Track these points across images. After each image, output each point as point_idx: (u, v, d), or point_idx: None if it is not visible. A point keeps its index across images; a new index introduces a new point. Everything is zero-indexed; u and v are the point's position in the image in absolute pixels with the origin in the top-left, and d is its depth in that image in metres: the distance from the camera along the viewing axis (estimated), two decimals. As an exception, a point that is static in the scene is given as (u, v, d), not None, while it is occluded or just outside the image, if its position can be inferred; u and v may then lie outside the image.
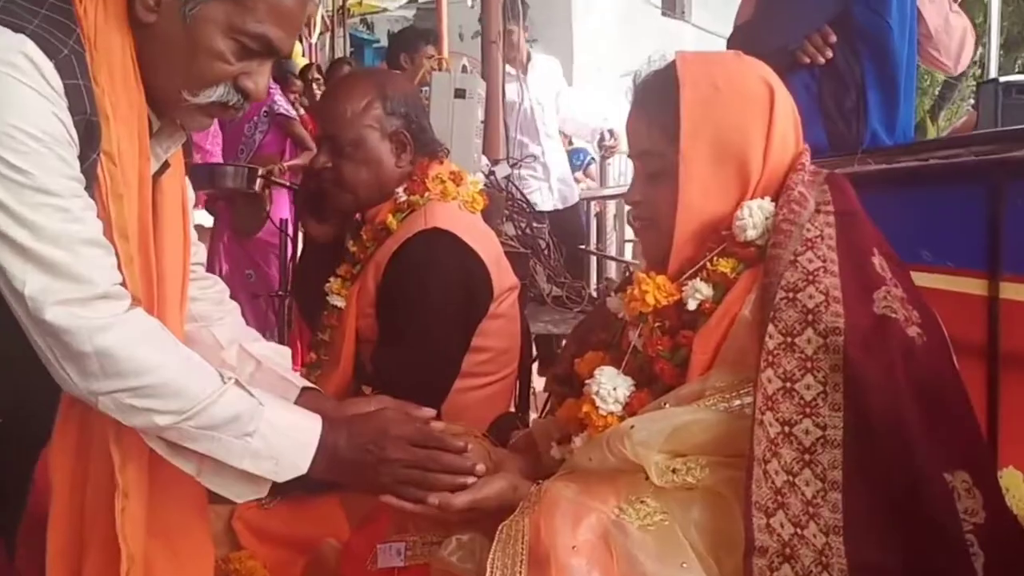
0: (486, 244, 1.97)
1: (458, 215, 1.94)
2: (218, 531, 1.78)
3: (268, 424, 1.29)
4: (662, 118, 1.32)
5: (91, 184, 1.24)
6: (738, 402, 1.20)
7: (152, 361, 1.22)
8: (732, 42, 2.44)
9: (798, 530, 1.11)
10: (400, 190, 1.95)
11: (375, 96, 1.92)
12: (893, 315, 1.17)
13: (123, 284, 1.25)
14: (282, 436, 1.30)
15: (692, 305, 1.28)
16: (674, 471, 1.19)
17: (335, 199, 1.99)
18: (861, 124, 2.23)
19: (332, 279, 2.04)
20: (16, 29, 1.16)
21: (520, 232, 3.15)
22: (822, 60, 2.26)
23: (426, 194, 1.93)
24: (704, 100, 1.30)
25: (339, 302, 2.00)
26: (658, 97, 1.33)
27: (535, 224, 3.27)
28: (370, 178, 1.94)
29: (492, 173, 3.25)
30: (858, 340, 1.15)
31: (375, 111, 1.91)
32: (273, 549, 1.78)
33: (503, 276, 2.00)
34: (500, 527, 1.21)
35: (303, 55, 6.51)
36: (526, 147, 4.85)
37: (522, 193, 3.50)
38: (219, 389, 1.26)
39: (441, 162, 2.02)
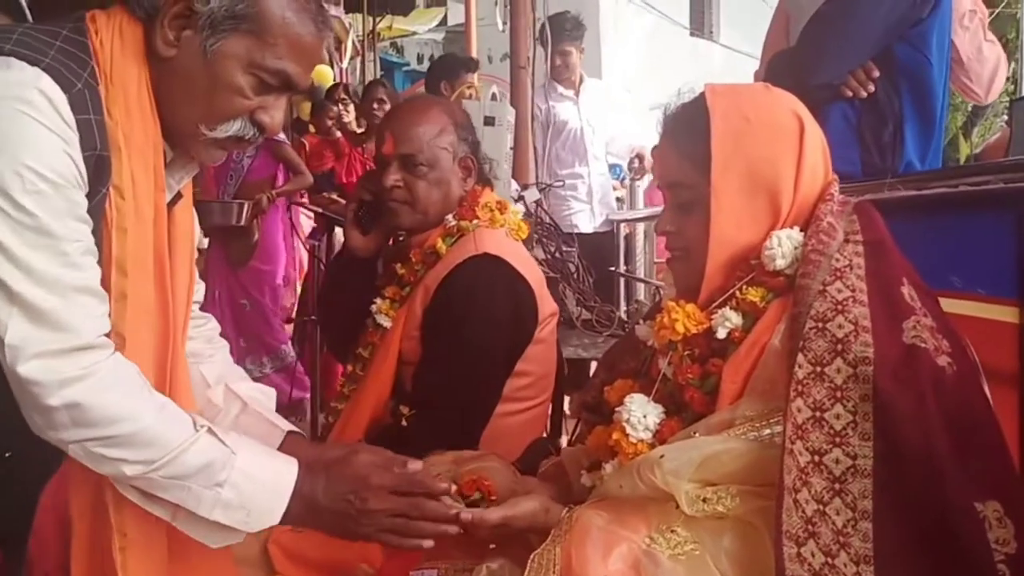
0: (532, 270, 2.02)
1: (506, 242, 1.99)
2: (254, 555, 1.80)
3: (240, 473, 1.25)
4: (693, 150, 1.33)
5: (98, 220, 1.23)
6: (768, 431, 1.20)
7: (124, 410, 1.19)
8: (771, 72, 2.46)
9: (829, 559, 1.11)
10: (449, 216, 2.00)
11: (449, 122, 2.00)
12: (923, 345, 1.18)
13: (108, 334, 1.23)
14: (255, 485, 1.26)
15: (722, 334, 1.29)
16: (704, 500, 1.20)
17: (402, 217, 2.02)
18: (896, 157, 2.26)
19: (379, 300, 2.07)
20: (32, 62, 1.16)
21: (550, 256, 3.17)
22: (864, 94, 2.30)
23: (475, 220, 1.98)
24: (735, 132, 1.31)
25: (386, 322, 2.04)
26: (689, 129, 1.35)
27: (564, 248, 3.29)
28: (440, 198, 2.00)
29: (521, 198, 3.27)
30: (888, 370, 1.15)
31: (450, 136, 1.99)
32: (308, 573, 1.80)
33: (546, 302, 2.04)
34: (532, 556, 1.22)
35: (334, 79, 6.58)
36: (572, 167, 4.92)
37: (551, 217, 3.53)
38: (191, 438, 1.23)
39: (492, 189, 2.09)
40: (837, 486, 1.14)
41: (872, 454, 1.14)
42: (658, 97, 2.99)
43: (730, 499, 1.20)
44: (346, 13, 7.59)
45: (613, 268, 4.75)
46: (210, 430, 1.26)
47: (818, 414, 1.16)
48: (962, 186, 1.71)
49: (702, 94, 1.37)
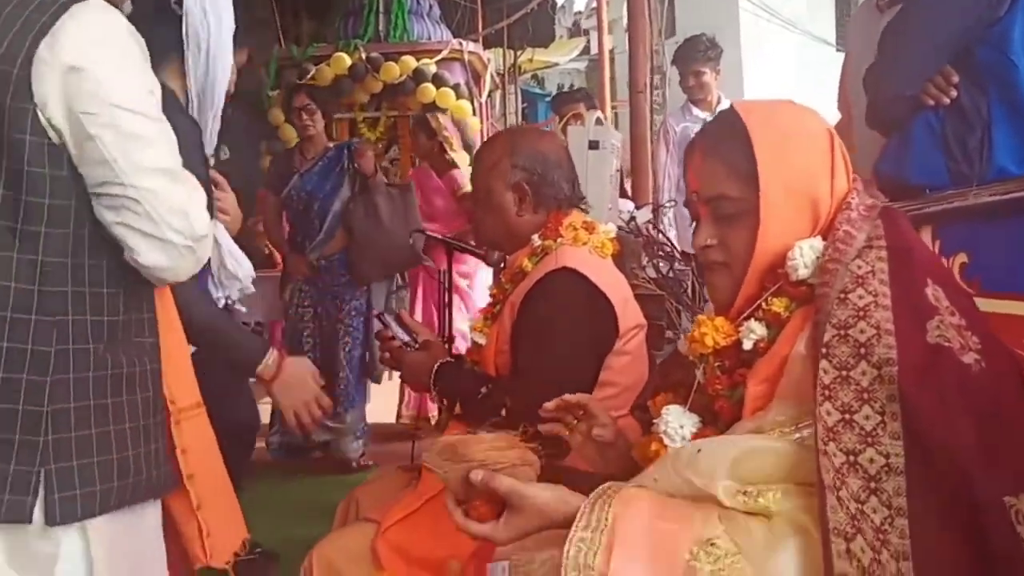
0: (614, 284, 2.10)
1: (588, 258, 2.09)
2: (363, 551, 1.97)
3: None
4: (735, 162, 1.38)
5: None
6: (798, 435, 1.23)
7: None
8: (865, 86, 2.45)
9: (876, 555, 1.12)
10: (536, 236, 2.14)
11: (504, 152, 2.16)
12: (947, 344, 1.19)
13: None
14: None
15: (747, 345, 1.33)
16: (745, 493, 1.22)
17: (477, 240, 2.31)
18: (984, 163, 2.16)
19: (475, 319, 2.26)
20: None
21: (661, 275, 3.23)
22: (946, 101, 2.23)
23: (559, 239, 2.11)
24: (774, 143, 1.36)
25: (481, 339, 2.21)
26: (729, 144, 1.39)
27: (678, 267, 3.34)
28: (496, 223, 2.17)
29: (633, 218, 3.35)
30: (912, 370, 1.17)
31: (502, 164, 2.14)
32: (410, 569, 1.94)
33: (629, 314, 2.11)
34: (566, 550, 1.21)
35: (474, 114, 6.79)
36: None
37: (666, 236, 3.58)
38: None
39: (586, 211, 2.20)
40: (873, 484, 1.15)
41: (903, 452, 1.15)
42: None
43: (771, 495, 1.21)
44: (485, 49, 7.84)
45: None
46: None
47: (847, 416, 1.18)
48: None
49: (728, 111, 1.42)
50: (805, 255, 1.32)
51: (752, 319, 1.35)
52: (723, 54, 5.18)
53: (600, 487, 1.27)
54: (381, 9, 6.92)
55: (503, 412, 1.92)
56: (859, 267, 1.27)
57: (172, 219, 1.41)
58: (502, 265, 2.33)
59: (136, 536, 1.52)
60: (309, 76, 6.42)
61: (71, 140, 1.37)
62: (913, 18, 2.33)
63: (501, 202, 2.14)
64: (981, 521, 1.12)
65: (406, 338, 2.21)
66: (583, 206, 2.21)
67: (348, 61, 6.46)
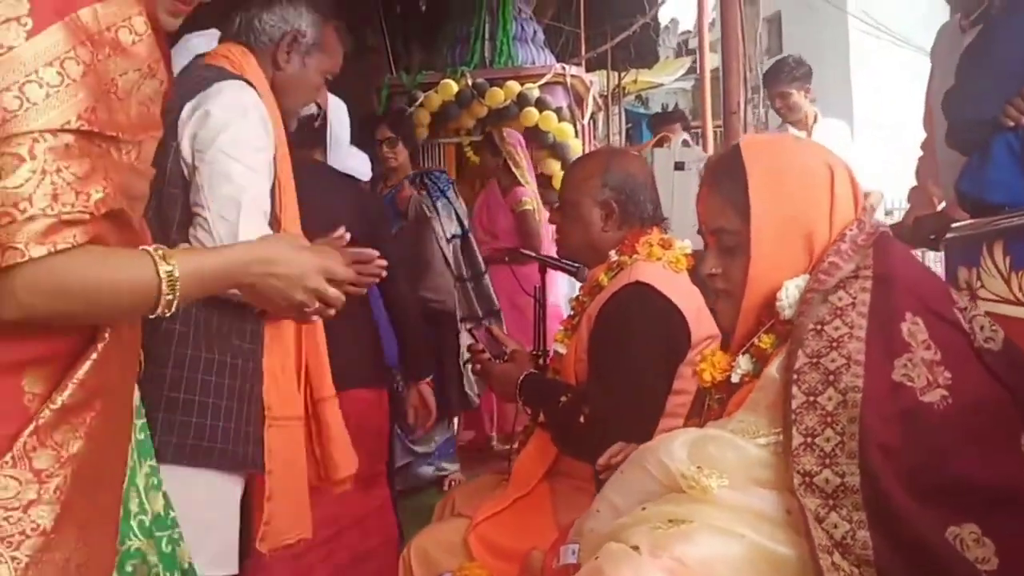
0: (686, 297, 2.23)
1: (661, 272, 2.20)
2: (456, 543, 2.15)
3: None
4: (734, 198, 1.45)
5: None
6: (761, 440, 1.35)
7: None
8: (944, 110, 2.50)
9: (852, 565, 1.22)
10: (613, 252, 2.31)
11: (597, 170, 2.34)
12: (909, 383, 1.27)
13: None
14: None
15: (735, 378, 1.46)
16: (698, 468, 1.31)
17: (558, 248, 2.51)
18: None
19: (557, 331, 2.44)
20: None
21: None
22: None
23: (634, 256, 2.26)
24: (769, 182, 1.43)
25: (562, 349, 2.39)
26: (728, 178, 1.47)
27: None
28: (581, 236, 2.34)
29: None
30: (873, 401, 1.26)
31: (593, 181, 2.32)
32: (498, 560, 2.12)
33: (703, 325, 2.23)
34: None
35: (576, 136, 6.91)
36: None
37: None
38: None
39: (665, 231, 2.35)
40: (831, 502, 1.24)
41: (858, 472, 1.24)
42: (917, 132, 3.01)
43: (718, 480, 1.30)
44: (588, 71, 7.97)
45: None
46: None
47: (809, 439, 1.27)
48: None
49: (733, 146, 1.53)
50: (790, 295, 1.41)
51: (744, 354, 1.47)
52: (831, 71, 5.18)
53: None
54: (487, 36, 7.17)
55: (581, 419, 2.07)
56: (840, 299, 1.34)
57: (225, 241, 1.75)
58: None
59: (213, 500, 1.87)
60: (418, 103, 6.70)
61: (187, 169, 1.83)
62: (992, 40, 2.38)
63: (587, 216, 2.31)
64: (927, 549, 1.21)
65: (496, 351, 2.38)
66: (663, 226, 2.34)
67: (455, 87, 6.73)
